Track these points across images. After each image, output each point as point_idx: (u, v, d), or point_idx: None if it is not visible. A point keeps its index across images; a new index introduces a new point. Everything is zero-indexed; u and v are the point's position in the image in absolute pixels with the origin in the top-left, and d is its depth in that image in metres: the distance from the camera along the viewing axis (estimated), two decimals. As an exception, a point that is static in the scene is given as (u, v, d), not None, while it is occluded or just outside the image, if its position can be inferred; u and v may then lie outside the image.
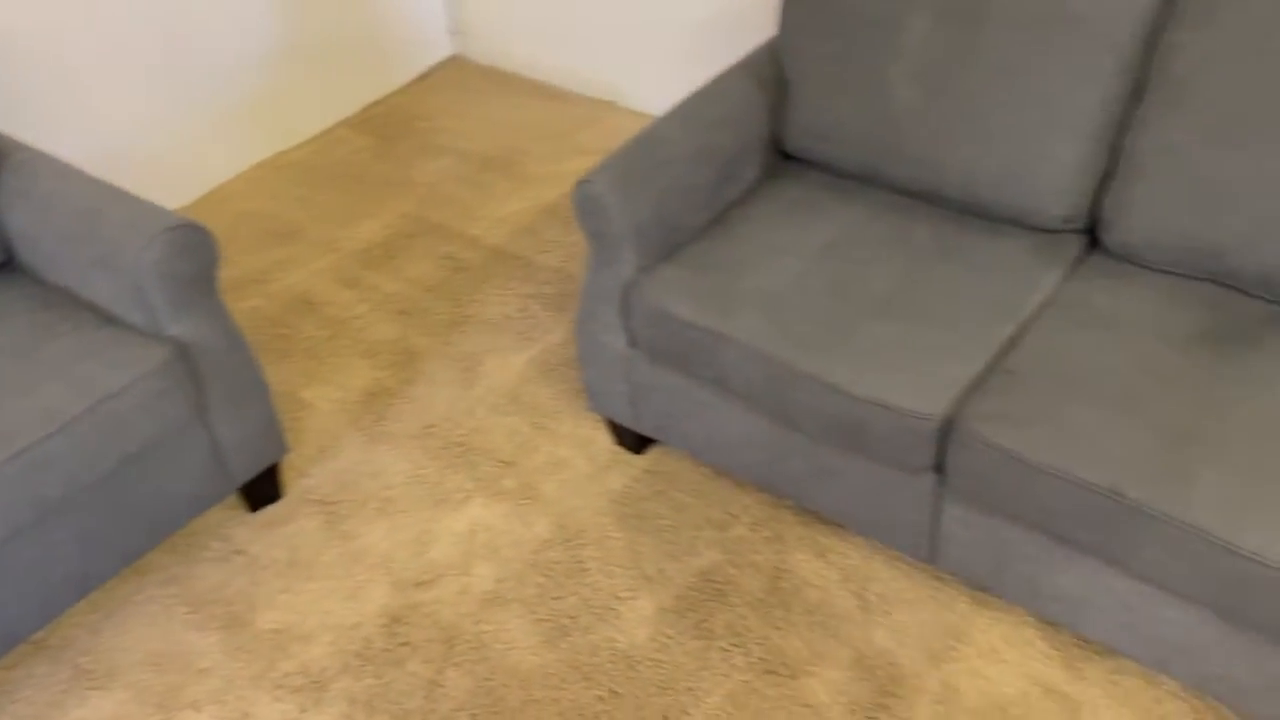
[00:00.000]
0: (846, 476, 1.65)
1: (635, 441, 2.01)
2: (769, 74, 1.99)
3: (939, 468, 1.54)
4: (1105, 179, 1.69)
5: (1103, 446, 1.38)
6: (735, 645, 1.69)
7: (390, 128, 3.12)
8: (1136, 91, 1.63)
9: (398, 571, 1.85)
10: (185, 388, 1.71)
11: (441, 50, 3.42)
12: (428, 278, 2.52)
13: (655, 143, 1.81)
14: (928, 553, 1.64)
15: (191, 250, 1.69)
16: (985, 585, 1.60)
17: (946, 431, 1.49)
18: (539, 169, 2.92)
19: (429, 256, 2.59)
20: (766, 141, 1.97)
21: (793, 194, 1.92)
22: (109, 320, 1.74)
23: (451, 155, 2.98)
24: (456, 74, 3.37)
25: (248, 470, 1.89)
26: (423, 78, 3.35)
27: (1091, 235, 1.76)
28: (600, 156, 2.94)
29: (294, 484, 2.02)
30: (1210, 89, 1.52)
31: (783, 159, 2.02)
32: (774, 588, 1.76)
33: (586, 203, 1.75)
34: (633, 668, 1.67)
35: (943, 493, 1.55)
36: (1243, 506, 1.28)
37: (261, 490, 1.96)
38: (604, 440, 2.06)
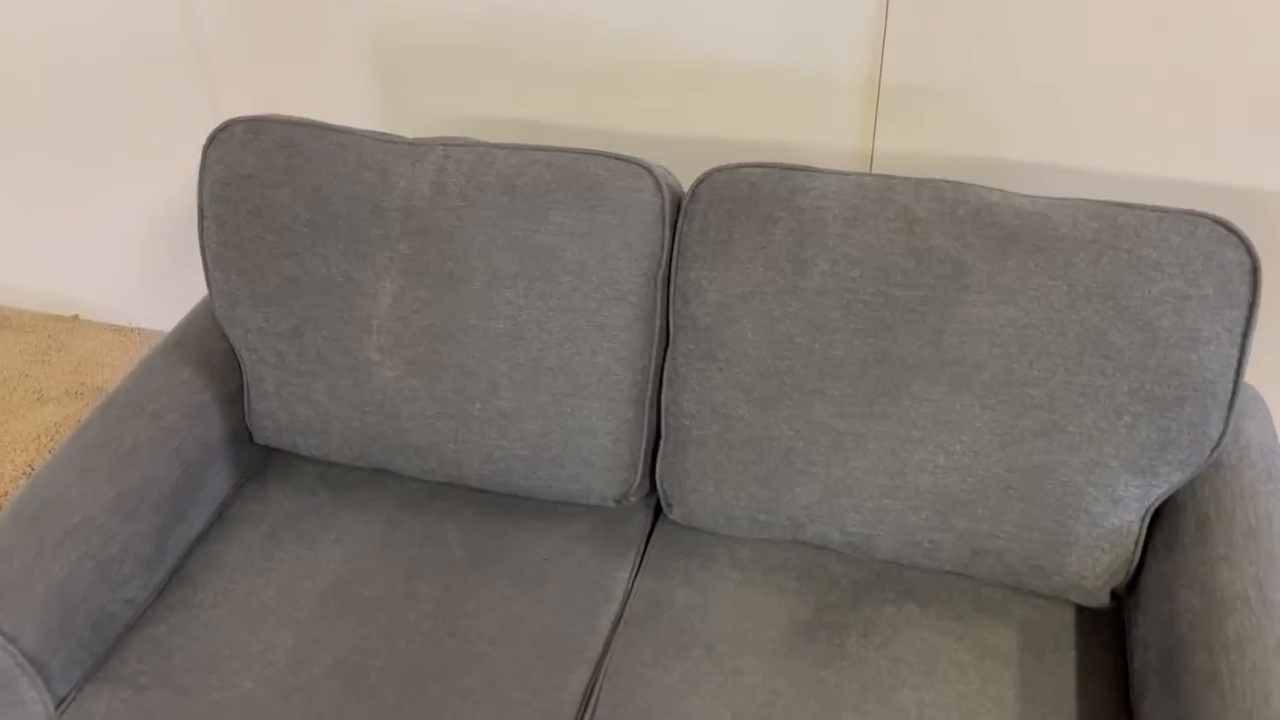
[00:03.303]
0: None
1: None
2: (215, 348, 1.48)
3: None
4: (656, 445, 1.37)
5: None
6: None
7: None
8: (664, 342, 1.32)
9: None
10: None
11: None
12: None
13: (40, 513, 1.24)
14: None
15: None
16: None
17: None
18: (-24, 440, 2.18)
19: None
20: (232, 439, 1.46)
21: (282, 507, 1.43)
22: None
23: None
24: None
25: None
26: None
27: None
28: (72, 404, 2.26)
29: None
30: (740, 338, 1.23)
31: (263, 450, 1.52)
32: None
33: (-61, 640, 1.14)
34: None
35: None
36: None
37: None
38: None
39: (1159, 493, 1.18)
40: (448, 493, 1.44)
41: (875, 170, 1.69)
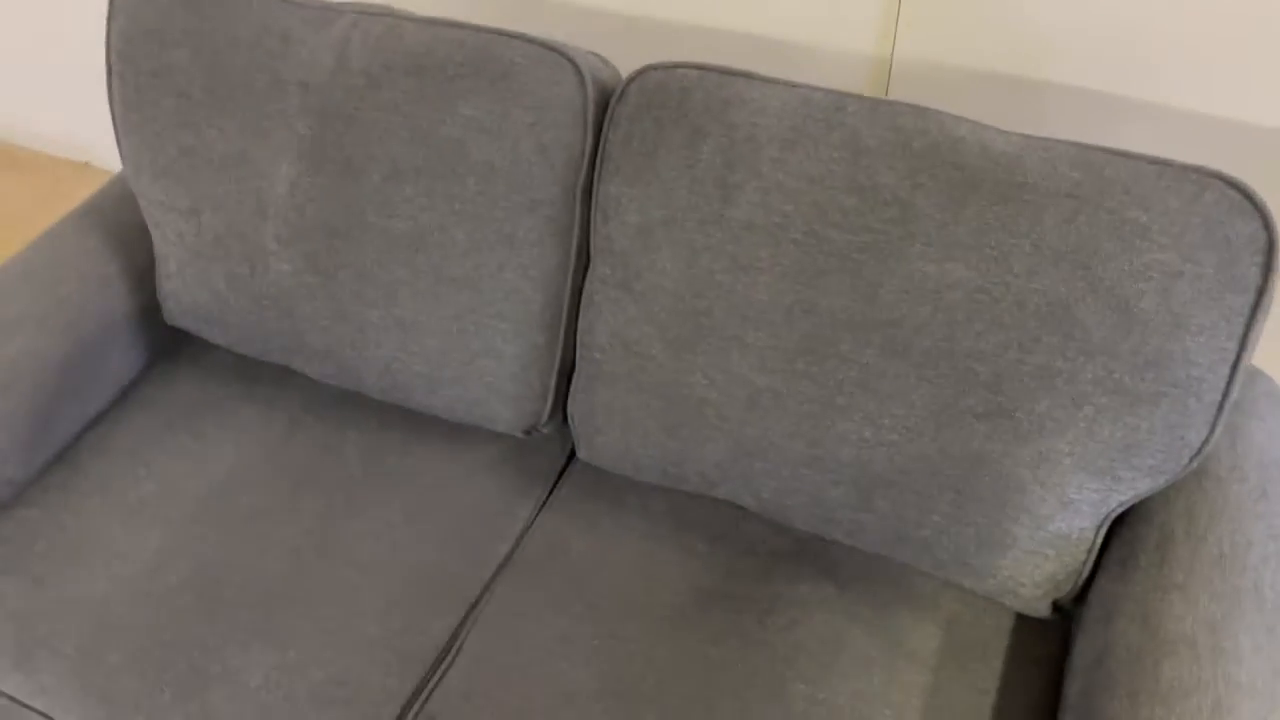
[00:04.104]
0: None
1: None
2: (130, 219, 1.38)
3: None
4: (570, 374, 1.23)
5: None
6: None
7: None
8: (584, 263, 1.16)
9: None
10: None
11: None
12: None
13: (-92, 380, 1.17)
14: None
15: None
16: None
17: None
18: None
19: None
20: (142, 317, 1.37)
21: (186, 394, 1.35)
22: None
23: None
24: None
25: None
26: None
27: (577, 427, 1.31)
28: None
29: None
30: (657, 268, 1.07)
31: (180, 331, 1.43)
32: None
33: None
34: None
35: None
36: None
37: None
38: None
39: (1121, 499, 1.00)
40: (356, 399, 1.34)
41: (893, 84, 1.47)
